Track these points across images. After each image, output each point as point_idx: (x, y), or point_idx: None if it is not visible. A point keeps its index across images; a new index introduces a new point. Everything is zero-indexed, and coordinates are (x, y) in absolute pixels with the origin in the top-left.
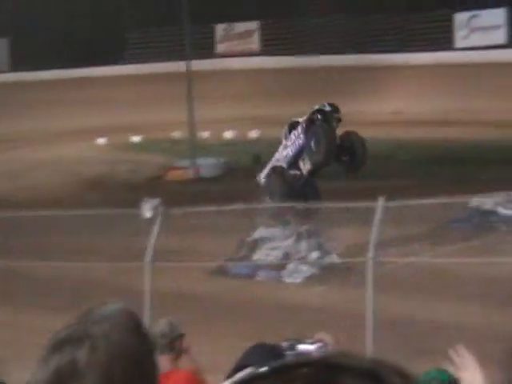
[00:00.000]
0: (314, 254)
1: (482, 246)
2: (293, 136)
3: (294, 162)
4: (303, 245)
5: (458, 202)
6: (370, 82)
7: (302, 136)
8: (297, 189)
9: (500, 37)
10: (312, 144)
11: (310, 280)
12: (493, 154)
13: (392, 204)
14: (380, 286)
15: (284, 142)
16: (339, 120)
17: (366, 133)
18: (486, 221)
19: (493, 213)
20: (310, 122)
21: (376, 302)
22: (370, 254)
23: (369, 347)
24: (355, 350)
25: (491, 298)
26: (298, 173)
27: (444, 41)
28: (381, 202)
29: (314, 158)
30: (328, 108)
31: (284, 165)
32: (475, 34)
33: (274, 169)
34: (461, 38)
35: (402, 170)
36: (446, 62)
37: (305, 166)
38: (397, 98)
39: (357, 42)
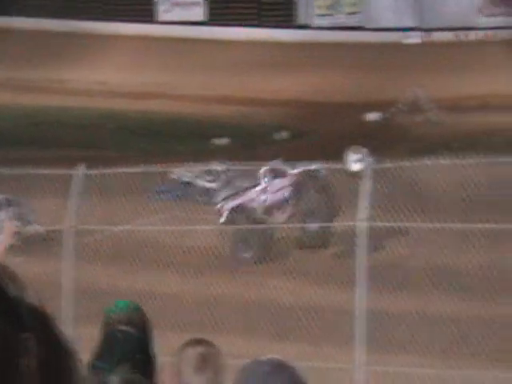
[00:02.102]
0: (14, 224)
1: (182, 216)
2: (277, 185)
3: (269, 209)
4: (2, 214)
5: (160, 172)
6: (73, 49)
7: (289, 192)
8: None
9: (199, 14)
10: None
11: (10, 250)
12: (191, 128)
13: (93, 172)
14: (81, 255)
15: (263, 185)
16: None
17: (70, 102)
18: (185, 192)
19: (191, 184)
20: (301, 183)
21: (77, 272)
22: (70, 222)
23: (68, 317)
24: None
25: (189, 266)
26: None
27: (147, 13)
28: (81, 170)
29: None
30: (321, 174)
31: (257, 208)
32: (176, 8)
33: (243, 209)
34: (163, 11)
35: (104, 139)
36: (148, 35)
37: (281, 215)
38: (101, 68)
39: (60, 7)
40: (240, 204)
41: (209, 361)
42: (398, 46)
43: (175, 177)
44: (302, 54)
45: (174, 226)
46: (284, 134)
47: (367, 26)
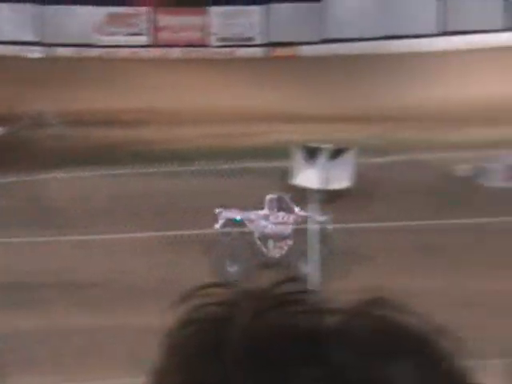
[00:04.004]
0: None
1: None
2: (281, 217)
3: (263, 238)
4: None
5: None
6: None
7: (289, 230)
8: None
9: None
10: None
11: None
12: None
13: None
14: None
15: (267, 211)
16: None
17: None
18: None
19: None
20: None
21: None
22: None
23: None
24: None
25: None
26: (264, 250)
27: None
28: None
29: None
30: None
31: (254, 231)
32: None
33: (241, 224)
34: None
35: None
36: None
37: (272, 249)
38: None
39: None
40: (233, 220)
41: None
42: (20, 60)
43: None
44: None
45: None
46: None
47: None
